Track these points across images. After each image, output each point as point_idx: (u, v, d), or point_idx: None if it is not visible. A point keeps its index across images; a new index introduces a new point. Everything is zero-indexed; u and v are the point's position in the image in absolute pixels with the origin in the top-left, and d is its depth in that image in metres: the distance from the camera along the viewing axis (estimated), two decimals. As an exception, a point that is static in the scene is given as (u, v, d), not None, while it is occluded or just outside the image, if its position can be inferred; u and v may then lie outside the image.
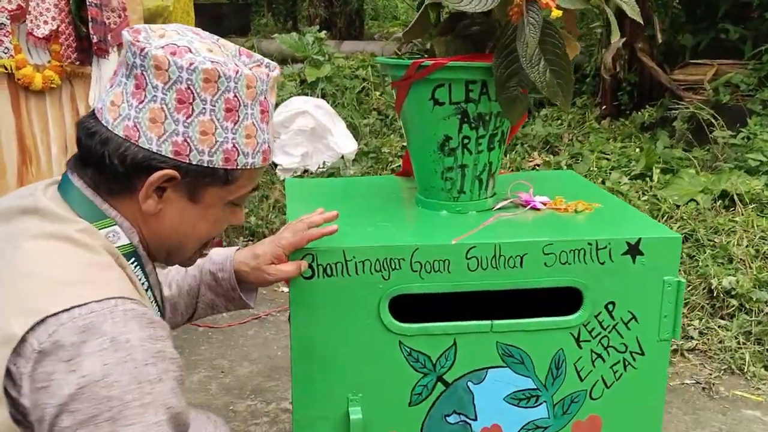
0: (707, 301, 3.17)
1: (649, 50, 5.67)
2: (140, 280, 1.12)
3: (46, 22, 2.79)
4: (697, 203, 3.94)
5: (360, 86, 6.26)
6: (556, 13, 1.25)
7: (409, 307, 1.45)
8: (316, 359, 1.39)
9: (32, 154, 2.87)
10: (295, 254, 1.34)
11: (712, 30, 5.63)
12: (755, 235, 3.52)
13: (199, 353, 2.94)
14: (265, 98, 1.12)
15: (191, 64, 1.03)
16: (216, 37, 1.13)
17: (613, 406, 1.47)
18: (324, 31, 6.76)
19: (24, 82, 2.80)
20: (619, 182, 4.30)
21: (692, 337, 3.01)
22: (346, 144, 5.08)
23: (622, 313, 1.43)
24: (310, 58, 6.28)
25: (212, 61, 1.05)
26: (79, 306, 0.94)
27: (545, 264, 1.38)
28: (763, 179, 4.07)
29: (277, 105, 5.51)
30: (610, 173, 4.51)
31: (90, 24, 2.86)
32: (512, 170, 4.62)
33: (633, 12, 1.42)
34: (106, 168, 1.06)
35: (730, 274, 3.23)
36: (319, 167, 4.93)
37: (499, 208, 1.56)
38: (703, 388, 2.72)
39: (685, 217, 3.78)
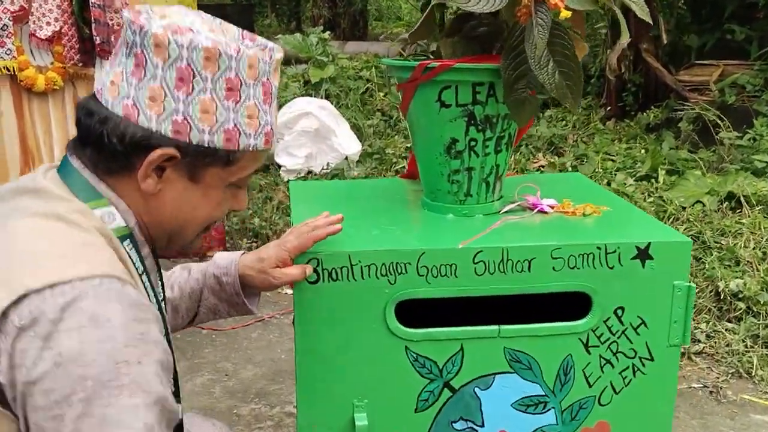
0: (714, 304, 3.15)
1: (654, 51, 5.65)
2: (135, 264, 1.08)
3: (48, 24, 2.78)
4: (704, 205, 3.92)
5: (364, 87, 6.25)
6: (565, 14, 1.23)
7: (415, 312, 1.43)
8: (321, 365, 1.37)
9: (35, 156, 2.86)
10: (300, 258, 1.32)
11: (717, 30, 5.61)
12: (762, 237, 3.49)
13: (203, 356, 2.92)
14: (267, 79, 1.10)
15: (192, 42, 1.01)
16: (219, 20, 1.11)
17: (623, 413, 1.45)
18: (328, 32, 6.76)
19: (27, 84, 2.79)
20: (625, 183, 4.28)
21: (699, 341, 2.99)
22: (350, 145, 5.07)
23: (632, 318, 1.40)
24: (313, 59, 6.27)
25: (213, 40, 1.03)
26: (62, 282, 0.92)
27: (553, 268, 1.36)
28: (770, 181, 4.05)
29: (280, 106, 5.50)
30: (615, 174, 4.49)
31: (93, 25, 2.85)
32: (517, 171, 4.60)
33: (642, 12, 1.40)
34: (105, 147, 1.04)
35: (737, 277, 3.21)
36: (322, 168, 4.92)
37: (506, 212, 1.54)
38: (711, 392, 2.70)
39: (691, 219, 3.76)
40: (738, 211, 3.87)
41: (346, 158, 4.99)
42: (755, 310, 3.07)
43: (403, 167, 4.91)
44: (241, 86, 1.06)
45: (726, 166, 4.42)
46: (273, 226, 4.15)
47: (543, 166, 4.85)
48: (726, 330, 3.02)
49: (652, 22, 1.50)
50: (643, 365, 1.44)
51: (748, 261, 3.35)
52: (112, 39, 2.86)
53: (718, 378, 2.78)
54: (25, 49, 2.78)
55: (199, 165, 1.08)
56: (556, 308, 1.44)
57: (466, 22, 1.44)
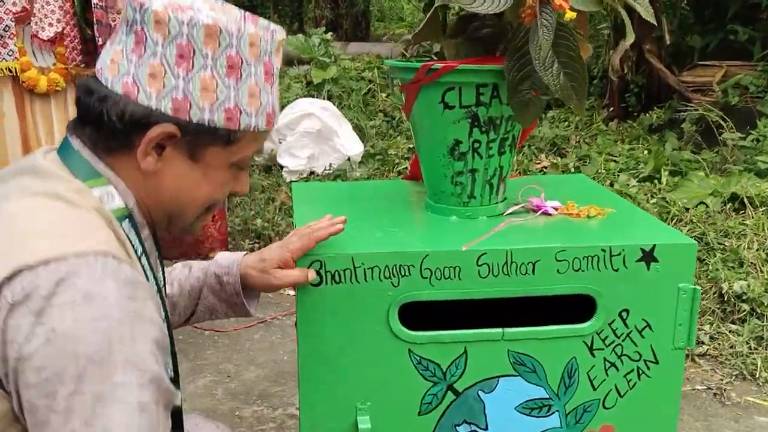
0: (718, 306, 3.14)
1: (657, 51, 5.64)
2: (134, 245, 1.06)
3: (51, 25, 2.78)
4: (707, 206, 3.91)
5: (366, 88, 6.24)
6: (570, 15, 1.22)
7: (418, 315, 1.42)
8: (324, 367, 1.36)
9: (37, 157, 2.85)
10: (303, 260, 1.32)
11: (720, 31, 5.60)
12: (766, 239, 3.48)
13: (205, 357, 2.92)
14: (269, 59, 1.09)
15: (192, 18, 1.01)
16: (221, 1, 1.10)
17: (627, 416, 1.44)
18: (330, 33, 6.75)
19: (29, 85, 2.79)
20: (628, 185, 4.27)
21: (703, 342, 2.98)
22: (352, 146, 5.06)
23: (636, 320, 1.40)
24: (316, 60, 6.26)
25: (214, 18, 1.02)
26: (57, 259, 0.90)
27: (558, 271, 1.35)
28: (773, 182, 4.04)
29: (282, 107, 5.49)
30: (618, 175, 4.48)
31: (95, 26, 2.84)
32: (519, 172, 4.59)
33: (647, 13, 1.39)
34: (104, 125, 1.03)
35: (740, 278, 3.20)
36: (325, 169, 4.91)
37: (510, 214, 1.53)
38: (715, 394, 2.69)
39: (694, 220, 3.75)
40: (741, 212, 3.86)
41: (349, 159, 4.99)
42: (759, 311, 3.06)
43: (406, 168, 4.90)
44: (242, 64, 1.05)
45: (729, 167, 4.41)
46: (275, 227, 4.15)
47: (545, 167, 4.85)
48: (730, 332, 3.01)
49: (656, 23, 1.49)
50: (648, 368, 1.43)
51: (751, 262, 3.34)
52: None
53: (722, 380, 2.77)
54: (27, 50, 2.77)
55: (199, 144, 1.06)
56: (560, 311, 1.43)
57: (469, 23, 1.44)
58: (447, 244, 1.37)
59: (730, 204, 3.93)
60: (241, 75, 1.06)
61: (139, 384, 0.91)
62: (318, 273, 1.32)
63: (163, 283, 1.22)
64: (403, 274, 1.33)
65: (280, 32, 1.11)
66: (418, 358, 1.37)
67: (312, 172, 4.92)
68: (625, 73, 5.82)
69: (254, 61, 1.07)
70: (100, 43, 2.82)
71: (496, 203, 1.53)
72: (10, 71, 2.72)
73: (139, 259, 1.07)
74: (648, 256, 1.37)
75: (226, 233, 3.90)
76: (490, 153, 1.47)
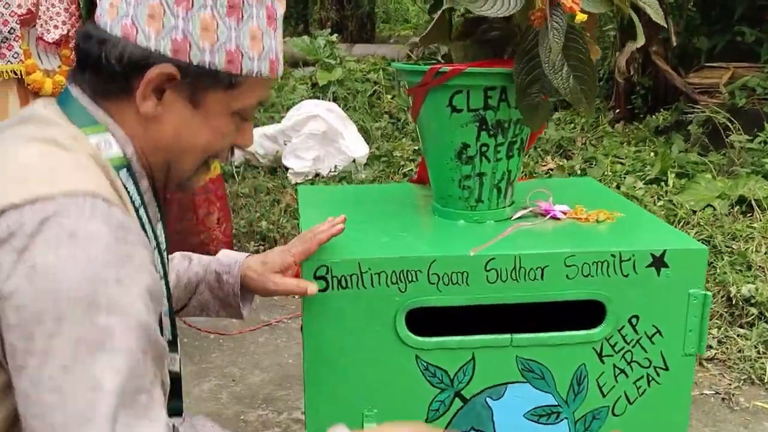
0: (726, 310, 3.12)
1: (663, 53, 5.62)
2: (131, 195, 1.03)
3: (56, 27, 2.77)
4: (714, 209, 3.88)
5: (371, 89, 6.24)
6: (580, 17, 1.21)
7: (426, 321, 1.40)
8: (330, 374, 1.35)
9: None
10: (309, 266, 1.30)
11: (727, 33, 5.57)
12: (774, 242, 3.46)
13: (210, 361, 2.91)
14: (271, 4, 1.07)
15: None
16: None
17: (637, 423, 1.43)
18: (335, 35, 6.74)
19: (34, 87, 2.78)
20: (634, 187, 4.25)
21: (711, 346, 2.96)
22: (357, 148, 5.05)
23: (646, 327, 1.38)
24: (321, 62, 6.26)
25: None
26: (44, 198, 0.87)
27: (567, 276, 1.34)
28: (781, 184, 4.01)
29: (288, 109, 5.49)
30: (624, 178, 4.46)
31: (100, 28, 2.83)
32: (525, 175, 4.57)
33: (657, 15, 1.38)
34: (103, 68, 1.01)
35: (749, 282, 3.18)
36: (330, 171, 4.90)
37: (518, 218, 1.52)
38: (723, 399, 2.67)
39: (702, 223, 3.73)
40: (749, 215, 3.84)
41: (354, 161, 4.98)
42: (767, 315, 3.04)
43: (411, 170, 4.89)
44: (243, 5, 1.03)
45: (737, 170, 4.39)
46: (280, 229, 4.14)
47: (551, 169, 4.83)
48: (738, 336, 2.99)
49: (666, 25, 1.47)
50: (658, 375, 1.41)
51: (760, 266, 3.32)
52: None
53: (730, 384, 2.75)
54: (32, 53, 2.77)
55: (199, 87, 1.03)
56: (569, 317, 1.42)
57: (478, 26, 1.42)
58: (455, 249, 1.35)
59: (737, 207, 3.91)
60: (242, 16, 1.03)
61: (124, 327, 0.86)
62: (324, 278, 1.31)
63: (164, 239, 1.17)
64: (410, 279, 1.32)
65: None
66: (425, 365, 1.36)
67: (317, 174, 4.91)
68: (631, 75, 5.80)
69: (256, 3, 1.04)
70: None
71: (504, 207, 1.52)
72: (16, 74, 2.71)
73: (137, 210, 1.03)
74: (658, 262, 1.35)
75: (231, 235, 3.89)
76: (498, 156, 1.45)
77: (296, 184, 4.75)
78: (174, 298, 1.37)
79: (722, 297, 3.17)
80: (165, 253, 1.17)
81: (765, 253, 3.38)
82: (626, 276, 1.35)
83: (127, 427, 0.84)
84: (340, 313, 1.32)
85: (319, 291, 1.31)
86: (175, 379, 1.13)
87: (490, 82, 1.38)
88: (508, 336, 1.36)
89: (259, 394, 2.68)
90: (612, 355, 1.39)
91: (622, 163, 4.74)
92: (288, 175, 4.88)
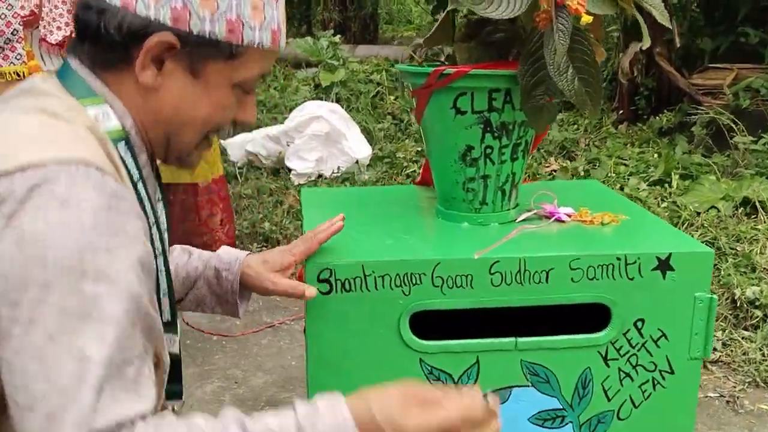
0: (730, 312, 3.11)
1: (667, 54, 5.60)
2: (129, 169, 1.01)
3: (59, 28, 2.77)
4: (718, 210, 3.87)
5: (374, 90, 6.23)
6: (586, 19, 1.20)
7: (430, 324, 1.40)
8: (334, 377, 1.34)
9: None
10: (312, 269, 1.29)
11: (731, 33, 5.56)
12: (779, 244, 3.45)
13: (213, 362, 2.90)
14: None
15: None
16: None
17: (642, 427, 1.42)
18: (338, 36, 6.74)
19: (37, 88, 2.78)
20: (638, 188, 4.24)
21: (715, 349, 2.94)
22: (360, 149, 5.05)
23: (652, 330, 1.37)
24: (324, 63, 6.26)
25: None
26: (35, 165, 0.85)
27: (572, 279, 1.33)
28: (786, 186, 4.00)
29: (291, 110, 5.48)
30: (628, 179, 4.45)
31: (103, 29, 2.83)
32: (528, 176, 4.57)
33: (662, 17, 1.37)
34: (102, 38, 0.99)
35: (753, 284, 3.16)
36: (333, 172, 4.90)
37: (522, 220, 1.51)
38: (728, 402, 2.65)
39: (706, 225, 3.72)
40: (753, 216, 3.82)
41: (357, 162, 4.97)
42: (772, 318, 3.03)
43: (414, 171, 4.88)
44: None
45: (741, 171, 4.38)
46: (283, 230, 4.13)
47: (555, 171, 4.82)
48: (742, 338, 2.98)
49: (671, 27, 1.46)
50: (663, 378, 1.40)
51: (764, 268, 3.30)
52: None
53: (734, 387, 2.74)
54: (35, 54, 2.76)
55: (200, 57, 1.01)
56: (574, 320, 1.41)
57: (482, 28, 1.41)
58: (459, 252, 1.35)
59: (741, 208, 3.90)
60: None
61: (114, 298, 0.84)
62: (327, 281, 1.30)
63: (165, 219, 1.15)
64: (414, 282, 1.31)
65: None
66: (429, 368, 1.35)
67: (320, 175, 4.90)
68: (634, 76, 5.79)
69: None
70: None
71: (509, 210, 1.51)
72: (18, 75, 2.71)
73: (135, 185, 1.01)
74: (664, 265, 1.34)
75: (234, 237, 3.89)
76: (502, 159, 1.45)
77: (299, 185, 4.75)
78: None
79: (726, 299, 3.16)
80: (166, 234, 1.15)
81: (769, 255, 3.37)
82: (632, 279, 1.34)
83: (113, 400, 0.82)
84: (344, 316, 1.32)
85: (323, 294, 1.30)
86: (175, 361, 1.11)
87: (495, 84, 1.37)
88: (512, 339, 1.35)
89: (262, 396, 2.68)
90: (617, 359, 1.38)
91: (625, 165, 4.73)
92: (291, 176, 4.88)
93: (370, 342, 1.33)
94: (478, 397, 0.97)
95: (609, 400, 1.40)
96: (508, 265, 1.32)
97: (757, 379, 2.76)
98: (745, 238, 3.54)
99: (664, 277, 1.35)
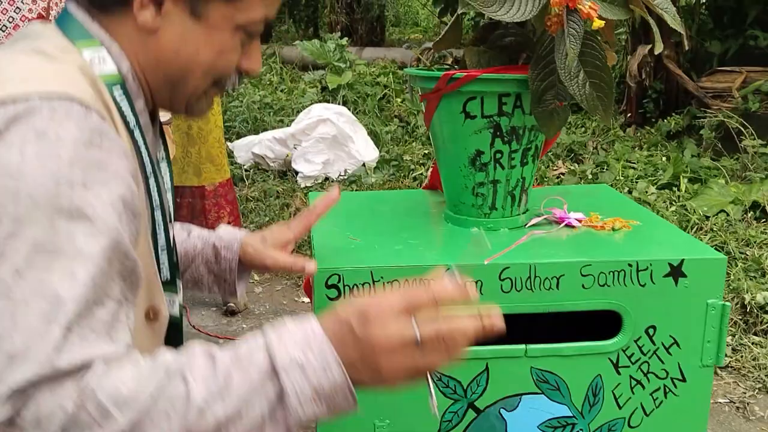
0: (740, 317, 3.08)
1: (675, 57, 5.58)
2: (125, 116, 0.96)
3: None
4: (728, 214, 3.85)
5: (381, 93, 6.22)
6: (598, 24, 1.19)
7: (439, 330, 1.38)
8: (342, 384, 1.33)
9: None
10: (321, 273, 1.28)
11: (740, 37, 5.53)
12: (789, 248, 3.42)
13: (219, 366, 2.89)
14: None
15: None
16: None
17: (653, 435, 1.40)
18: (345, 38, 6.73)
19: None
20: (647, 192, 4.22)
21: (725, 354, 2.92)
22: (367, 152, 5.04)
23: (664, 337, 1.35)
24: (331, 65, 6.25)
25: None
26: (16, 99, 0.82)
27: (583, 286, 1.32)
28: (796, 190, 3.97)
29: (297, 112, 5.48)
30: (636, 182, 4.43)
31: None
32: (536, 179, 4.55)
33: (674, 22, 1.36)
34: None
35: (763, 289, 3.14)
36: (340, 175, 4.89)
37: (532, 226, 1.49)
38: (738, 408, 2.63)
39: (715, 229, 3.69)
40: (763, 220, 3.80)
41: (364, 165, 4.96)
42: (782, 323, 3.01)
43: (421, 174, 4.87)
44: None
45: (750, 175, 4.35)
46: (290, 233, 4.12)
47: (563, 174, 4.80)
48: (753, 344, 2.95)
49: (683, 31, 1.45)
50: (675, 386, 1.38)
51: (774, 272, 3.28)
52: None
53: (744, 393, 2.72)
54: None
55: None
56: (585, 327, 1.39)
57: (492, 32, 1.40)
58: (468, 258, 1.33)
59: (751, 212, 3.87)
60: None
61: (88, 235, 0.80)
62: (336, 287, 1.29)
63: (169, 178, 1.12)
64: (423, 288, 1.30)
65: None
66: (438, 375, 1.33)
67: (327, 178, 4.90)
68: (643, 79, 5.77)
69: None
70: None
71: (518, 215, 1.50)
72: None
73: (132, 133, 0.97)
74: (676, 271, 1.33)
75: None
76: (512, 163, 1.43)
77: (305, 187, 4.74)
78: None
79: (736, 304, 3.13)
80: (170, 193, 1.12)
81: (779, 260, 3.34)
82: (643, 286, 1.32)
83: (81, 340, 0.77)
84: (352, 323, 1.30)
85: (331, 299, 1.29)
86: (175, 324, 1.07)
87: (505, 88, 1.36)
88: (522, 346, 1.34)
89: (268, 400, 2.66)
90: (628, 366, 1.36)
91: (634, 168, 4.71)
92: (297, 179, 4.87)
93: (379, 348, 1.31)
94: (440, 273, 0.91)
95: (620, 407, 1.38)
96: (519, 271, 1.31)
97: (767, 386, 2.74)
98: (755, 242, 3.52)
99: (676, 284, 1.33)
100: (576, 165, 4.92)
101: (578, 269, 1.31)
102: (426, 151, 5.18)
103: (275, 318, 3.22)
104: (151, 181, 1.00)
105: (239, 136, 5.61)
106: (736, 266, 3.33)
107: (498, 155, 1.42)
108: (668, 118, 5.51)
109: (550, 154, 5.09)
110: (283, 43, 9.28)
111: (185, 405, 0.78)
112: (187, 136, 3.48)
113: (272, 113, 5.91)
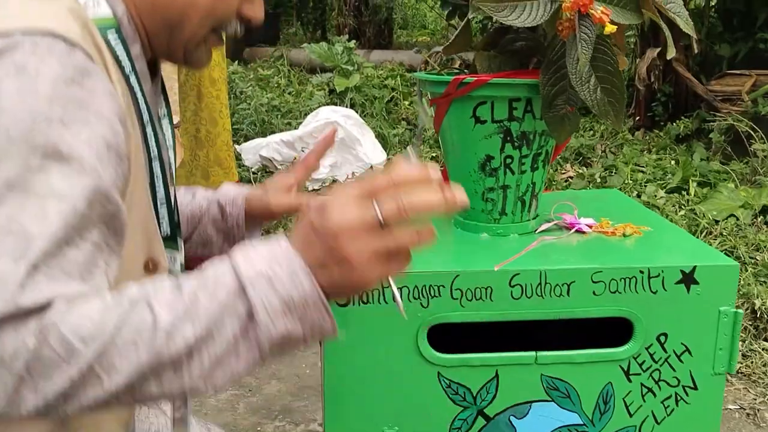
0: (750, 323, 3.06)
1: (684, 61, 5.56)
2: (120, 61, 0.93)
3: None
4: (737, 219, 3.82)
5: (389, 96, 6.22)
6: (610, 29, 1.18)
7: (448, 337, 1.37)
8: (350, 390, 1.32)
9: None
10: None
11: (750, 40, 5.51)
12: (799, 253, 3.40)
13: (226, 370, 2.89)
14: None
15: None
16: None
17: (664, 443, 1.39)
18: (353, 41, 6.73)
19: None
20: (656, 196, 4.20)
21: (735, 360, 2.90)
22: (374, 154, 5.04)
23: (675, 345, 1.34)
24: (338, 68, 6.25)
25: None
26: (1, 35, 0.79)
27: (594, 293, 1.30)
28: (806, 194, 3.94)
29: (305, 115, 5.48)
30: (645, 186, 4.40)
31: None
32: (544, 183, 4.53)
33: (687, 26, 1.35)
34: None
35: (774, 294, 3.11)
36: (347, 178, 4.88)
37: (542, 231, 1.48)
38: (748, 414, 2.61)
39: (725, 234, 3.67)
40: (773, 225, 3.77)
41: (371, 168, 4.96)
42: (793, 328, 2.98)
43: (429, 178, 4.85)
44: None
45: (760, 179, 4.32)
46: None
47: (571, 177, 4.78)
48: (763, 349, 2.93)
49: (695, 35, 1.44)
50: (687, 394, 1.37)
51: (784, 277, 3.26)
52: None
53: (755, 399, 2.69)
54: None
55: None
56: (595, 334, 1.38)
57: (502, 36, 1.39)
58: (478, 264, 1.32)
59: (761, 216, 3.85)
60: None
61: (63, 173, 0.77)
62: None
63: (171, 135, 1.09)
64: (432, 294, 1.29)
65: None
66: (447, 382, 1.32)
67: (334, 181, 4.89)
68: (651, 82, 5.75)
69: None
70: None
71: (528, 220, 1.49)
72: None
73: (127, 79, 0.93)
74: (688, 278, 1.31)
75: (248, 243, 3.88)
76: (522, 169, 1.42)
77: (313, 190, 4.74)
78: None
79: (746, 310, 3.11)
80: (171, 151, 1.09)
81: (790, 265, 3.32)
82: (655, 293, 1.31)
83: (48, 279, 0.74)
84: (361, 329, 1.29)
85: (339, 306, 1.28)
86: None
87: (515, 93, 1.35)
88: (532, 353, 1.32)
89: (276, 404, 2.66)
90: (639, 374, 1.35)
91: (642, 172, 4.69)
92: (305, 181, 4.87)
93: (388, 355, 1.31)
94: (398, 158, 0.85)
95: (631, 415, 1.37)
96: (529, 278, 1.29)
97: (778, 392, 2.72)
98: (765, 247, 3.49)
99: (688, 291, 1.32)
100: (584, 168, 4.90)
101: (589, 276, 1.30)
102: (434, 155, 5.17)
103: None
104: (149, 129, 0.97)
105: (247, 138, 5.61)
106: (746, 271, 3.30)
107: (508, 160, 1.41)
108: (677, 121, 5.49)
109: (558, 157, 5.07)
110: (290, 45, 9.29)
111: (152, 331, 0.74)
112: (196, 139, 3.49)
113: (280, 116, 5.91)
